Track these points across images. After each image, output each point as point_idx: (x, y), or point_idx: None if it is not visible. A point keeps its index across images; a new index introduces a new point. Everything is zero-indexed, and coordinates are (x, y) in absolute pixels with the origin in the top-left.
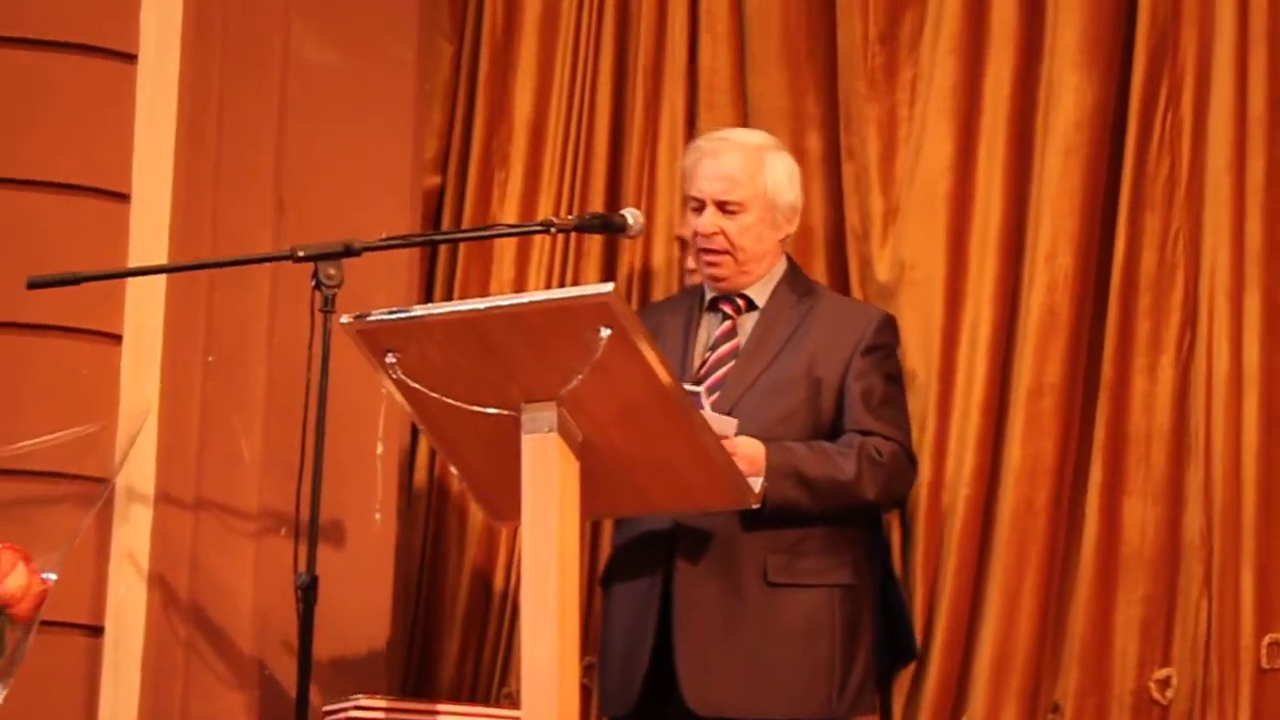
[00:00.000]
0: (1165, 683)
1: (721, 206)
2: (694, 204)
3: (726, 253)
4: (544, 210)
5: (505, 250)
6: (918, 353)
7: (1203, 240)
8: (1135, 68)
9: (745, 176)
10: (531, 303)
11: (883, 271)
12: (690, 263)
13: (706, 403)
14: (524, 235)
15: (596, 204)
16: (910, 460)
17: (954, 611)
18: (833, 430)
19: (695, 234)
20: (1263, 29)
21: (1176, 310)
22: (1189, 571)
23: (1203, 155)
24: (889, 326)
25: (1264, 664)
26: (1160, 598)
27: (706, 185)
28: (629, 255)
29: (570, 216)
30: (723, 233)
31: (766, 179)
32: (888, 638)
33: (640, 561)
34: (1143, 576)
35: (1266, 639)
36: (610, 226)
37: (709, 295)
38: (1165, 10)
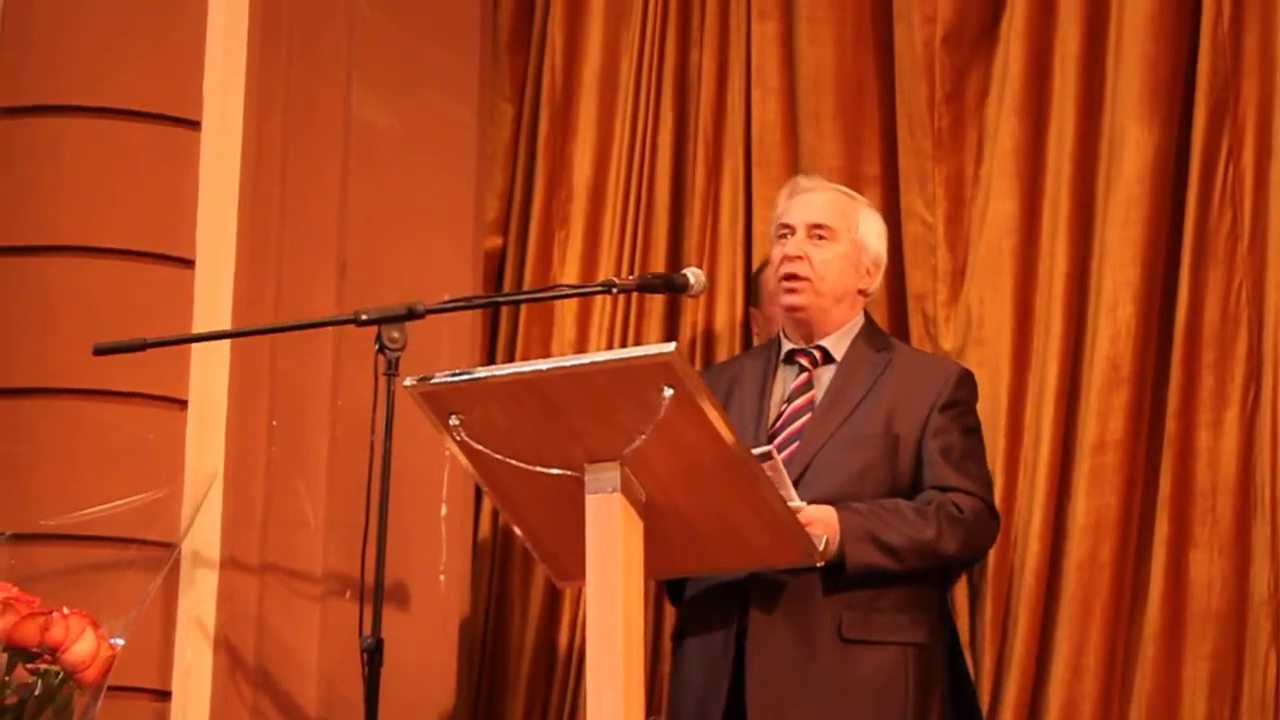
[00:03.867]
0: None
1: (811, 231)
2: (783, 230)
3: (808, 280)
4: (604, 271)
5: (567, 311)
6: (985, 411)
7: (1266, 293)
8: (1196, 120)
9: (839, 212)
10: (594, 363)
11: (951, 330)
12: (755, 327)
13: (779, 460)
14: (586, 296)
15: (657, 264)
16: (993, 514)
17: (1023, 670)
18: (912, 486)
19: (781, 259)
20: None
21: (1241, 364)
22: (1257, 626)
23: (1265, 207)
24: (968, 382)
25: None
26: (1228, 653)
27: (799, 213)
28: (691, 315)
29: (632, 277)
30: (808, 259)
31: (859, 221)
32: (954, 701)
33: (714, 614)
34: (1210, 631)
35: None
36: (672, 286)
37: (786, 347)
38: (1225, 62)
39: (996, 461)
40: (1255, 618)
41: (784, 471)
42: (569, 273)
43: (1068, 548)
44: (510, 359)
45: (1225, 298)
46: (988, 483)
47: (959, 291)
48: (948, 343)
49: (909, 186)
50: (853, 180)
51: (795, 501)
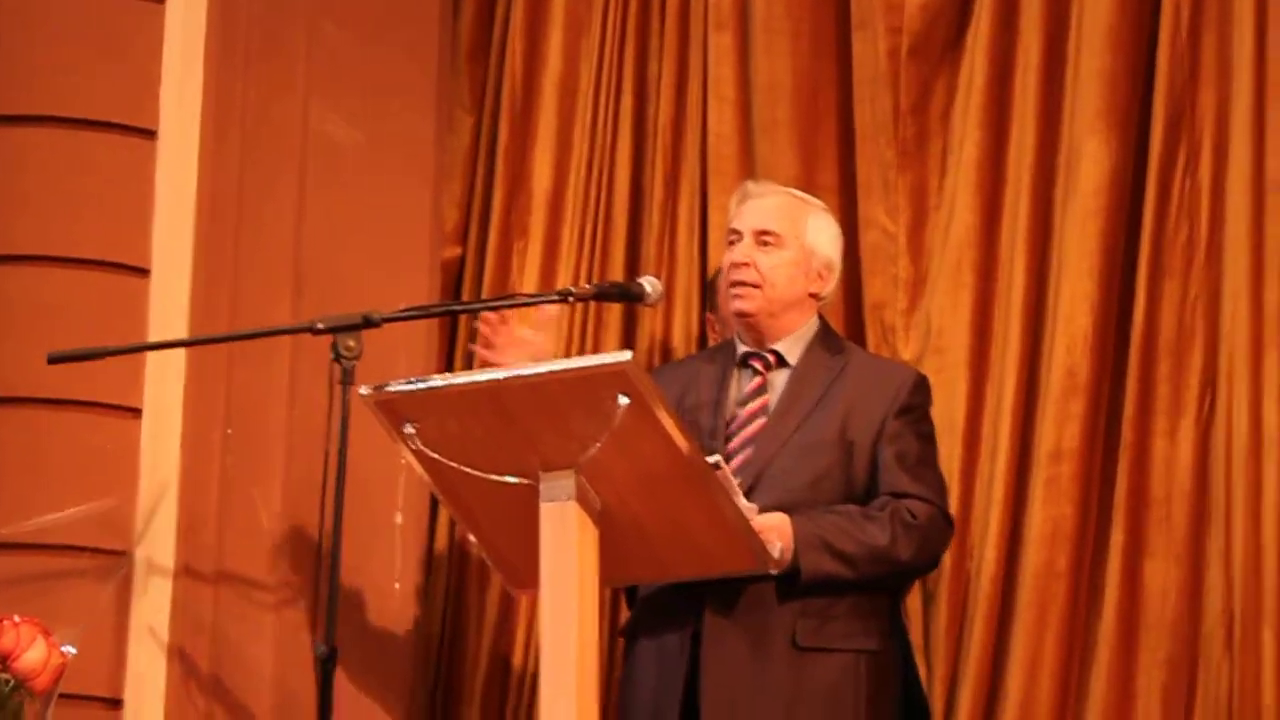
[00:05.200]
0: None
1: (758, 237)
2: (732, 236)
3: (756, 286)
4: (563, 280)
5: (524, 320)
6: (943, 419)
7: (1221, 304)
8: (1153, 132)
9: (787, 217)
10: (549, 372)
11: (910, 339)
12: (712, 332)
13: (728, 470)
14: (543, 304)
15: (616, 273)
16: (947, 521)
17: (977, 677)
18: (866, 493)
19: (729, 265)
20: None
21: (1196, 374)
22: (1211, 635)
23: (1221, 220)
24: (922, 387)
25: None
26: (1182, 661)
27: (747, 219)
28: (649, 325)
29: (589, 285)
30: (755, 265)
31: (808, 226)
32: (907, 708)
33: (668, 616)
34: (1164, 639)
35: None
36: (629, 295)
37: (740, 350)
38: (1182, 75)
39: (954, 470)
40: (1209, 626)
41: (733, 481)
42: (528, 282)
43: (1024, 556)
44: (468, 368)
45: (1181, 309)
46: (943, 489)
47: (919, 301)
48: (906, 352)
49: (870, 196)
50: (808, 189)
51: (747, 510)
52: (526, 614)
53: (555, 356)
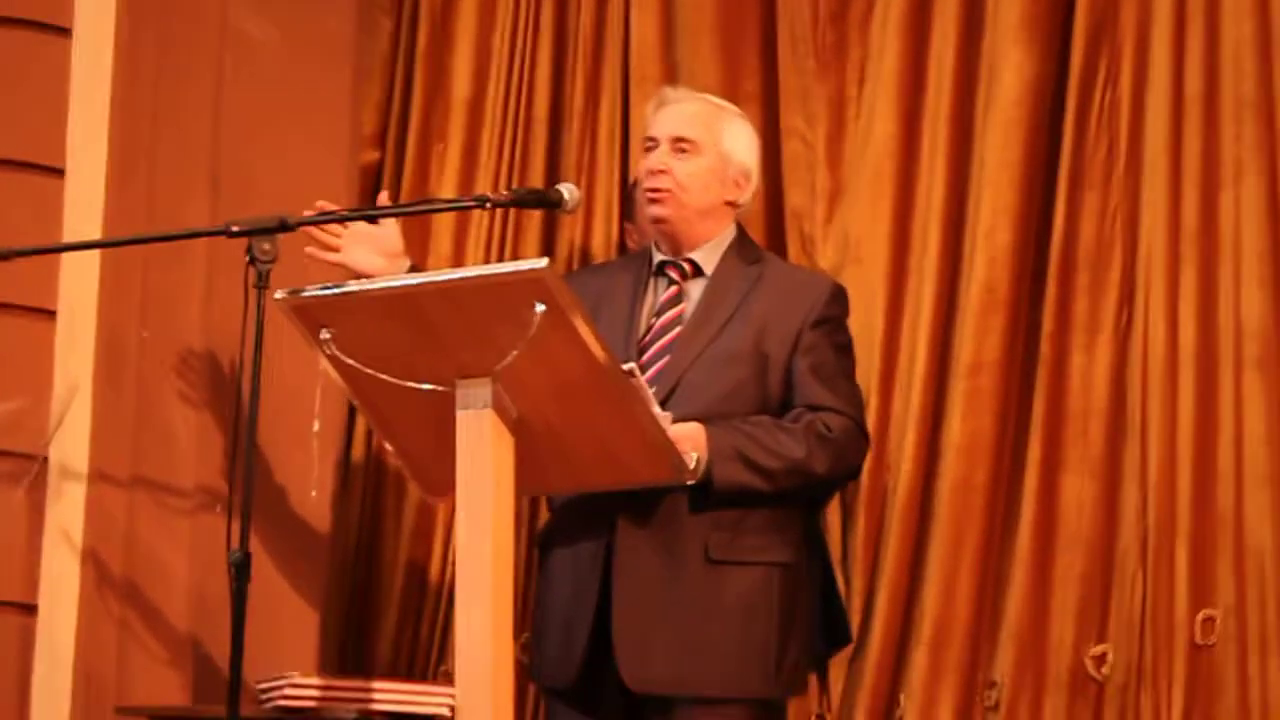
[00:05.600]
0: (1101, 659)
1: (675, 144)
2: (648, 143)
3: (671, 192)
4: (482, 186)
5: (443, 226)
6: (861, 331)
7: (1140, 218)
8: (1074, 45)
9: (703, 124)
10: (466, 278)
11: (828, 250)
12: (630, 241)
13: (642, 380)
14: (459, 210)
15: (535, 180)
16: (863, 434)
17: (893, 590)
18: (782, 405)
19: (645, 172)
20: (1200, 7)
21: (1114, 288)
22: (1125, 549)
23: (1140, 133)
24: (839, 298)
25: (1198, 640)
26: (1096, 575)
27: (663, 126)
28: (568, 232)
29: (506, 192)
30: (670, 172)
31: (724, 132)
32: (824, 620)
33: (582, 529)
34: (1079, 554)
35: (1200, 615)
36: (546, 202)
37: (656, 259)
38: None
39: (872, 382)
40: (1123, 540)
41: (648, 390)
42: (446, 187)
43: (941, 469)
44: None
45: (1100, 222)
46: (858, 402)
47: (837, 211)
48: (825, 262)
49: (789, 104)
50: (731, 97)
51: (662, 419)
52: (444, 522)
53: (401, 246)
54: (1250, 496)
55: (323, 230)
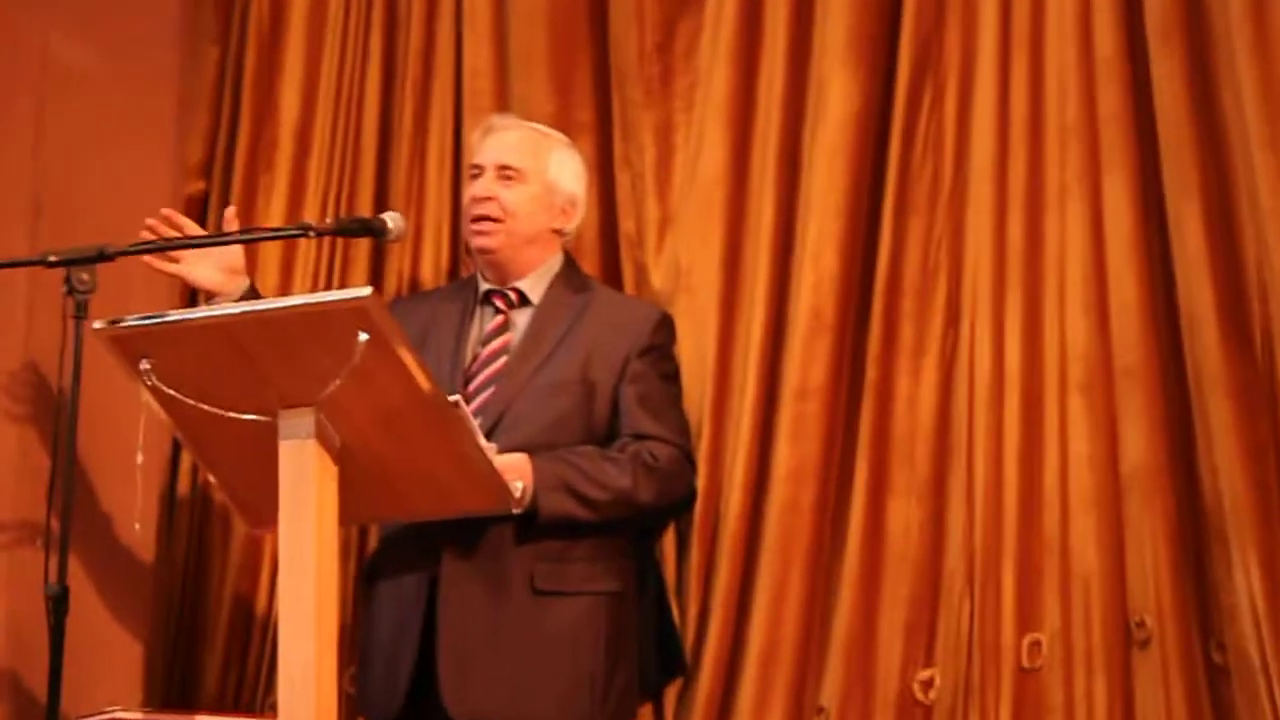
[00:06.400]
0: (928, 683)
1: (500, 171)
2: (474, 171)
3: (499, 221)
4: (310, 216)
5: (270, 257)
6: (693, 359)
7: (965, 242)
8: (900, 69)
9: (529, 152)
10: (287, 307)
11: (658, 279)
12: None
13: (467, 410)
14: (283, 239)
15: (364, 209)
16: (689, 463)
17: (724, 616)
18: (608, 434)
19: (470, 200)
20: (1025, 32)
21: (939, 312)
22: (952, 572)
23: (965, 159)
24: (665, 326)
25: (1025, 664)
26: (924, 598)
27: (489, 154)
28: (397, 262)
29: (329, 221)
30: (497, 200)
31: (550, 161)
32: (658, 650)
33: (408, 560)
34: (906, 577)
35: (1027, 639)
36: (370, 230)
37: (483, 288)
38: (930, 10)
39: (705, 409)
40: (951, 563)
41: (472, 421)
42: (274, 217)
43: (770, 495)
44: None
45: (925, 247)
46: (685, 430)
47: (667, 240)
48: (657, 291)
49: (619, 134)
50: (565, 126)
51: (488, 449)
52: (270, 555)
53: (241, 264)
54: (1075, 520)
55: (157, 235)
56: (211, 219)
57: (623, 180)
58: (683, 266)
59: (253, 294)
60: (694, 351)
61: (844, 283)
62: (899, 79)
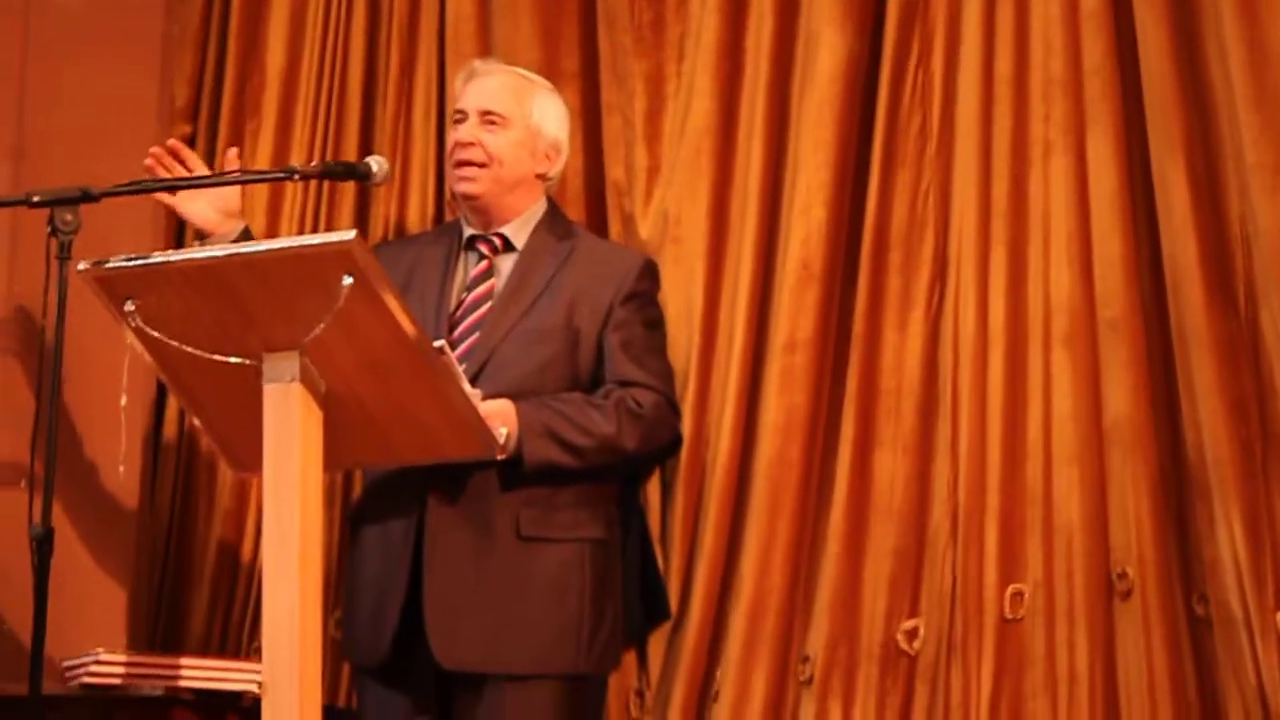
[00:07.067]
0: (913, 633)
1: (483, 117)
2: (458, 116)
3: (482, 165)
4: (296, 160)
5: (257, 200)
6: (680, 309)
7: (952, 196)
8: (888, 24)
9: (512, 97)
10: (272, 250)
11: (646, 227)
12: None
13: (452, 356)
14: (268, 182)
15: (350, 154)
16: (673, 409)
17: (711, 566)
18: (592, 380)
19: (454, 145)
20: None
21: (926, 266)
22: (936, 524)
23: (952, 112)
24: (649, 272)
25: (1007, 614)
26: (909, 550)
27: (472, 99)
28: (383, 206)
29: (314, 164)
30: (481, 145)
31: (533, 106)
32: (643, 597)
33: (393, 506)
34: (892, 529)
35: (1010, 589)
36: (355, 174)
37: (466, 233)
38: None
39: (692, 360)
40: (935, 515)
41: (457, 366)
42: (260, 161)
43: (758, 446)
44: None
45: (913, 200)
46: (668, 377)
47: (656, 189)
48: (645, 239)
49: (608, 82)
50: (551, 74)
51: (472, 395)
52: (256, 499)
53: (238, 205)
54: (1058, 472)
55: (160, 165)
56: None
57: (609, 127)
58: (671, 216)
59: (246, 237)
60: (682, 301)
61: (832, 235)
62: (886, 32)
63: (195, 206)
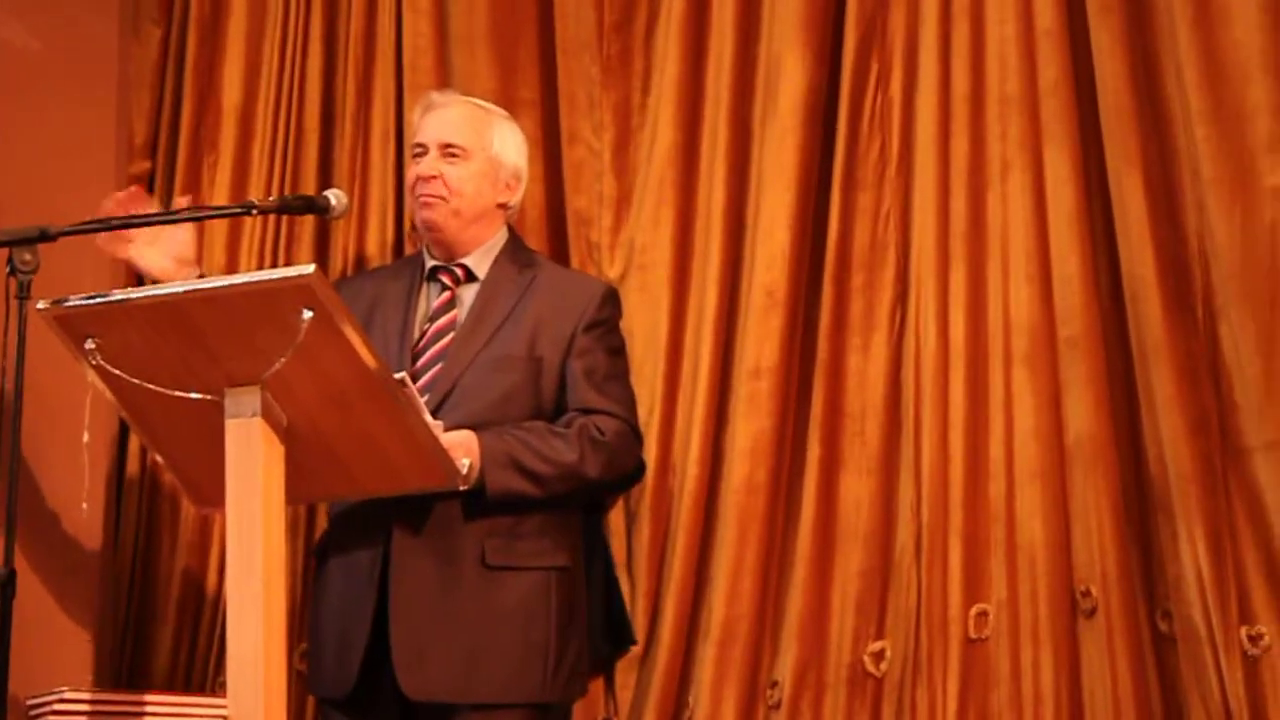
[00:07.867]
0: (879, 655)
1: (444, 150)
2: (418, 149)
3: (443, 199)
4: (255, 194)
5: (216, 235)
6: (647, 337)
7: (912, 218)
8: (846, 47)
9: (471, 128)
10: (232, 285)
11: (613, 258)
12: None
13: (413, 389)
14: (226, 218)
15: (308, 188)
16: (636, 436)
17: (680, 593)
18: (556, 409)
19: (415, 179)
20: (965, 10)
21: (888, 288)
22: (901, 545)
23: (911, 134)
24: (611, 300)
25: (972, 634)
26: (875, 571)
27: (431, 131)
28: (342, 239)
29: (272, 199)
30: (442, 178)
31: (493, 136)
32: (608, 625)
33: (358, 538)
34: (858, 551)
35: (974, 609)
36: (313, 208)
37: (429, 264)
38: None
39: (657, 388)
40: (900, 537)
41: (418, 398)
42: (218, 196)
43: (725, 471)
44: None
45: (874, 223)
46: (631, 404)
47: (624, 219)
48: (612, 270)
49: (574, 112)
50: (508, 104)
51: (434, 427)
52: (219, 535)
53: (195, 247)
54: (1020, 491)
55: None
56: (157, 199)
57: (574, 157)
58: (637, 245)
59: None
60: (648, 329)
61: (795, 260)
62: (845, 56)
63: (151, 257)
